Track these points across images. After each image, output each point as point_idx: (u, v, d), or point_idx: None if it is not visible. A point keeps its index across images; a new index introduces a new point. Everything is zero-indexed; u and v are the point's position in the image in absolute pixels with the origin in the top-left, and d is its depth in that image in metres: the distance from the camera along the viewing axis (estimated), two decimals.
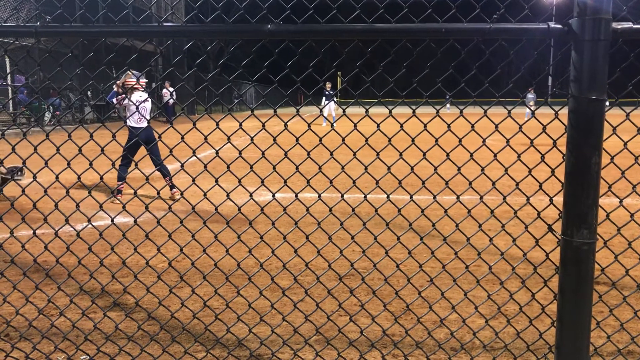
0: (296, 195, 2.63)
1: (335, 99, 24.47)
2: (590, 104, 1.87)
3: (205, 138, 2.41)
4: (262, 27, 1.91)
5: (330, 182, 2.60)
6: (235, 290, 2.85)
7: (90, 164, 2.48)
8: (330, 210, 2.58)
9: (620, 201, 2.38)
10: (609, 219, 2.42)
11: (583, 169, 1.90)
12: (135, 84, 7.51)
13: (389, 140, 2.36)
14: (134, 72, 7.79)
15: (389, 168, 2.40)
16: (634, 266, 2.76)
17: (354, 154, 2.45)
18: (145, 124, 7.59)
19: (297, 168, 2.41)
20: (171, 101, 28.64)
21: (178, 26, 2.15)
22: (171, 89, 29.13)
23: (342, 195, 2.58)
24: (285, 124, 2.36)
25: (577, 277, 1.95)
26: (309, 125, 2.49)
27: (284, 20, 2.06)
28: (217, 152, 2.48)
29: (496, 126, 2.30)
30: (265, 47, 2.20)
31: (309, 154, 2.35)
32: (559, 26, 1.90)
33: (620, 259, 2.66)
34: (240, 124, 2.42)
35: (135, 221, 2.71)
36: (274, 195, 2.65)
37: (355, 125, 2.36)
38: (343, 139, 2.28)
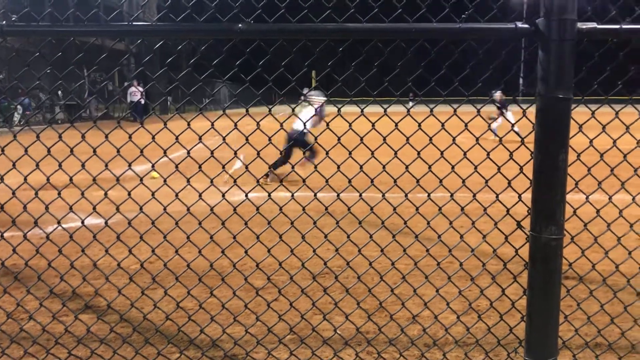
0: (269, 195, 2.63)
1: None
2: (557, 103, 1.91)
3: (177, 138, 2.40)
4: (233, 27, 1.91)
5: (304, 181, 2.61)
6: (209, 290, 2.84)
7: (60, 165, 2.44)
8: (304, 209, 2.58)
9: (587, 197, 2.44)
10: (576, 215, 2.47)
11: (550, 167, 1.94)
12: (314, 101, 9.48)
13: (361, 139, 2.38)
14: (314, 91, 10.25)
15: (361, 167, 2.42)
16: (599, 261, 2.83)
17: (327, 153, 2.46)
18: (300, 128, 8.66)
19: (270, 168, 2.41)
20: (142, 100, 28.30)
21: (148, 25, 2.13)
22: (141, 89, 28.78)
23: (315, 195, 2.59)
24: (258, 124, 2.35)
25: (546, 273, 1.99)
26: (281, 125, 2.49)
27: (255, 19, 2.06)
28: (188, 152, 2.47)
29: (465, 124, 2.33)
30: (238, 46, 2.19)
31: (281, 153, 2.35)
32: (527, 26, 1.94)
33: (588, 254, 2.72)
34: (212, 124, 2.41)
35: (106, 222, 2.68)
36: (246, 195, 2.65)
37: (327, 125, 2.37)
38: (315, 139, 2.29)
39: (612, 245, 2.95)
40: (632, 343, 3.26)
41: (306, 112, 9.57)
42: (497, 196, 2.43)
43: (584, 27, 1.92)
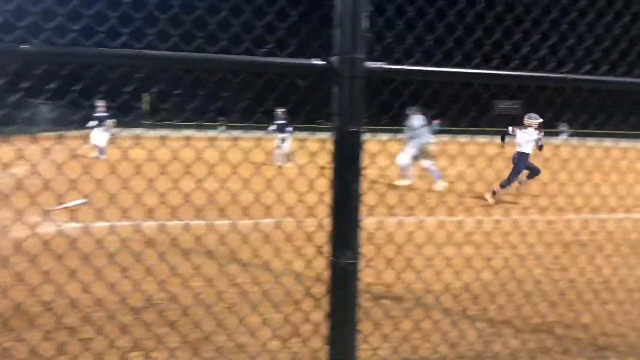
0: (86, 226, 2.48)
1: (291, 130, 16.84)
2: (351, 136, 2.04)
3: None
4: (15, 48, 1.79)
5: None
6: (14, 336, 2.59)
7: None
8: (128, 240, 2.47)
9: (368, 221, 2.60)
10: (371, 240, 2.61)
11: (346, 195, 2.05)
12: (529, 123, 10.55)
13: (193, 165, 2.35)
14: (532, 114, 10.75)
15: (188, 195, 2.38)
16: (403, 278, 3.04)
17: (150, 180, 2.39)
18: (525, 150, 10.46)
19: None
20: None
21: None
22: None
23: (139, 224, 2.50)
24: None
25: (344, 295, 2.09)
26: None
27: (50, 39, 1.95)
28: None
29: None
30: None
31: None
32: (323, 63, 2.05)
33: (382, 276, 2.91)
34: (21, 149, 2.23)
35: None
36: (60, 226, 2.48)
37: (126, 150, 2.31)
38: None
39: (422, 265, 3.20)
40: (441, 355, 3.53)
41: (526, 137, 10.53)
42: (303, 221, 2.52)
43: (373, 66, 2.08)
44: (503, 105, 63.47)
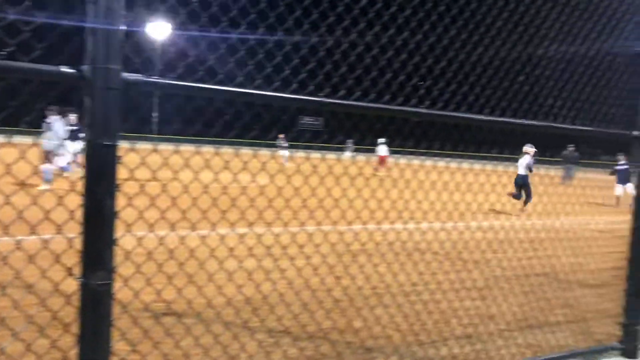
0: None
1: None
2: (104, 149, 1.94)
3: None
4: None
5: None
6: None
7: None
8: None
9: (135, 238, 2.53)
10: (129, 258, 2.49)
11: (98, 212, 1.94)
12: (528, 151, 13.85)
13: None
14: (528, 145, 13.71)
15: None
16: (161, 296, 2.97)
17: None
18: (523, 172, 13.99)
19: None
20: None
21: None
22: None
23: None
24: None
25: (95, 319, 1.97)
26: None
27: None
28: None
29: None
30: None
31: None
32: (73, 71, 1.92)
33: (162, 293, 2.84)
34: None
35: None
36: None
37: None
38: None
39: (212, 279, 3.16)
40: None
41: (523, 160, 13.90)
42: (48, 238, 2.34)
43: (131, 77, 2.00)
44: (306, 121, 67.00)
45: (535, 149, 14.01)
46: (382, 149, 27.08)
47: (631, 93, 4.39)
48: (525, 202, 13.72)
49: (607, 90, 4.53)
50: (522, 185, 13.89)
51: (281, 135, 29.31)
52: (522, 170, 13.96)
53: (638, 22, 4.43)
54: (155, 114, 51.54)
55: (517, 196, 13.93)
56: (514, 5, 3.86)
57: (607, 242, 8.15)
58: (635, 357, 4.12)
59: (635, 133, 4.13)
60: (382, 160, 26.68)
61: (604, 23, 4.41)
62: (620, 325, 4.19)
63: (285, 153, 28.14)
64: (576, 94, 4.43)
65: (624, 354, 4.15)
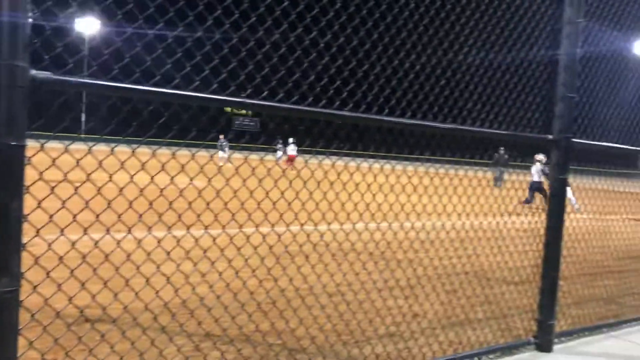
0: None
1: None
2: (9, 150, 1.85)
3: None
4: None
5: None
6: None
7: None
8: None
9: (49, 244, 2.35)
10: (37, 263, 2.36)
11: (3, 215, 1.85)
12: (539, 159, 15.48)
13: None
14: (540, 153, 14.89)
15: None
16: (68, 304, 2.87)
17: None
18: (537, 179, 15.65)
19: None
20: None
21: None
22: None
23: None
24: None
25: (1, 327, 1.87)
26: None
27: None
28: None
29: None
30: None
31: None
32: None
33: (98, 298, 2.73)
34: None
35: None
36: None
37: None
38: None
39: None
40: None
41: (535, 168, 15.43)
42: None
43: (39, 75, 1.92)
44: (241, 121, 66.46)
45: (544, 156, 14.63)
46: (291, 148, 28.16)
47: (547, 99, 4.69)
48: (525, 202, 14.12)
49: (526, 96, 4.79)
50: (537, 190, 14.94)
51: (221, 136, 29.48)
52: (536, 177, 15.30)
53: (552, 30, 4.69)
54: (82, 114, 48.56)
55: (529, 201, 14.62)
56: (434, 12, 4.00)
57: (530, 240, 8.58)
58: (549, 351, 4.37)
59: (550, 137, 4.41)
60: (290, 159, 27.42)
61: (519, 32, 4.66)
62: (536, 321, 4.44)
63: (225, 154, 27.92)
64: (495, 99, 4.64)
65: (538, 348, 4.40)
